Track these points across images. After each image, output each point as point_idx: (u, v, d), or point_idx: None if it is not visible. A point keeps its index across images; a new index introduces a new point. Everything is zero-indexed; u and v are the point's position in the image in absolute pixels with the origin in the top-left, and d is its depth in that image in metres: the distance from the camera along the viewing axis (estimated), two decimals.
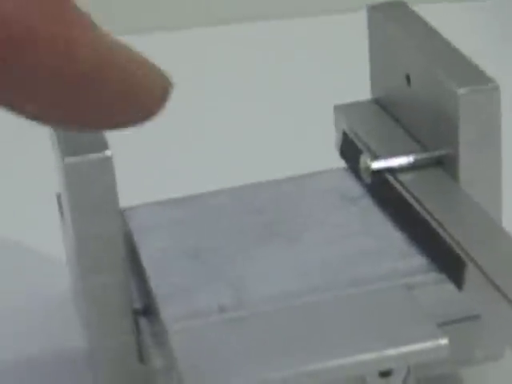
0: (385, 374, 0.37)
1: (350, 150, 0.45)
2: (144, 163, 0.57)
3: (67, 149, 0.39)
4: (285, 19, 0.73)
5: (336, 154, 0.46)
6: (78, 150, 0.38)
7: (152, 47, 0.67)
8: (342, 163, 0.46)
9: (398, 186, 0.42)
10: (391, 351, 0.35)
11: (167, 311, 0.38)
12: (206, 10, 0.75)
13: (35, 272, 0.50)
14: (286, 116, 0.61)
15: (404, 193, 0.41)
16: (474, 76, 0.40)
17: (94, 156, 0.38)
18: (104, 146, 0.38)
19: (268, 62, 0.68)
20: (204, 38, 0.72)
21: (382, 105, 0.46)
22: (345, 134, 0.46)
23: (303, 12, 0.73)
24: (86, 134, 0.39)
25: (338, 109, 0.47)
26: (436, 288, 0.38)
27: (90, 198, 0.38)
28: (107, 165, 0.38)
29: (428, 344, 0.36)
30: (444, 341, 0.35)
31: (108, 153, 0.38)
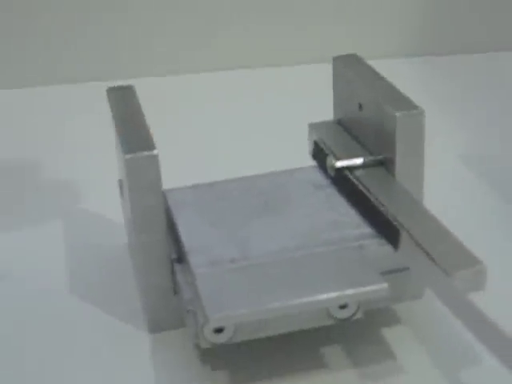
0: (343, 306, 0.35)
1: (319, 154, 0.43)
2: (182, 159, 0.55)
3: (127, 148, 0.37)
4: (271, 67, 0.72)
5: (309, 157, 0.45)
6: (134, 149, 0.36)
7: (169, 88, 0.68)
8: (313, 163, 0.44)
9: (353, 178, 0.40)
10: (348, 291, 0.33)
11: (193, 260, 0.36)
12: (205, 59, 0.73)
13: (102, 232, 0.48)
14: (277, 133, 0.60)
15: (357, 183, 0.39)
16: (407, 104, 0.39)
17: (145, 153, 0.36)
18: (152, 146, 0.37)
19: (266, 96, 0.67)
20: (205, 81, 0.70)
21: (342, 124, 0.44)
22: (316, 143, 0.44)
23: (286, 62, 0.72)
24: (140, 138, 0.37)
25: (311, 126, 0.45)
26: (379, 249, 0.37)
27: (141, 183, 0.36)
28: (154, 160, 0.36)
29: (373, 287, 0.34)
30: (384, 285, 0.34)
31: (155, 152, 0.36)
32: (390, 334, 0.39)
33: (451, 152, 0.56)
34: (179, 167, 0.52)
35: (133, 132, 0.38)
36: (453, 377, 0.36)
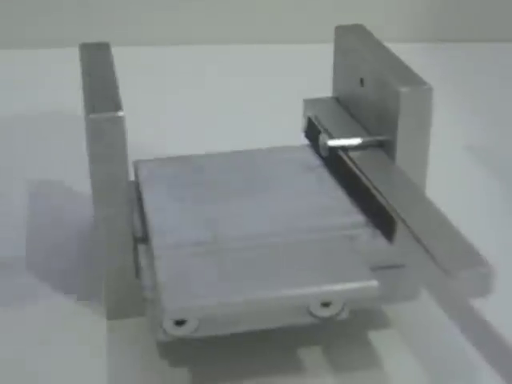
0: (325, 304, 0.30)
1: (312, 132, 0.38)
2: (163, 132, 0.50)
3: (90, 107, 0.32)
4: (274, 44, 0.67)
5: (302, 135, 0.40)
6: (97, 109, 0.31)
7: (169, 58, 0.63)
8: (305, 141, 0.39)
9: (347, 160, 0.35)
10: (331, 287, 0.29)
11: (157, 241, 0.31)
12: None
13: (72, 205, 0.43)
14: (270, 110, 0.55)
15: (352, 166, 0.34)
16: (413, 79, 0.34)
17: (109, 114, 0.31)
18: (118, 107, 0.31)
19: (262, 71, 0.63)
20: (201, 54, 0.66)
21: (340, 101, 0.39)
22: (309, 120, 0.39)
23: (290, 40, 0.68)
24: (106, 97, 0.32)
25: (307, 101, 0.40)
26: (371, 240, 0.32)
27: (104, 147, 0.31)
28: (119, 122, 0.31)
29: (361, 284, 0.29)
30: (374, 282, 0.29)
31: (121, 113, 0.31)
32: (377, 337, 0.34)
33: (457, 143, 0.52)
34: (158, 140, 0.49)
35: (99, 91, 0.33)
36: None
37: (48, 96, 0.57)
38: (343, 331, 0.34)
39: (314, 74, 0.52)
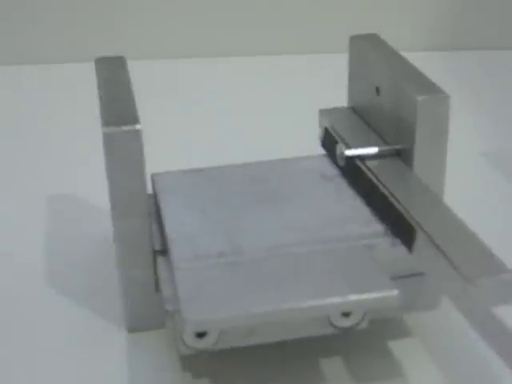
0: (346, 314, 0.30)
1: (329, 142, 0.38)
2: (181, 145, 0.51)
3: (106, 121, 0.32)
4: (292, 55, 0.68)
5: (318, 145, 0.39)
6: (114, 122, 0.31)
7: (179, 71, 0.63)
8: (322, 151, 0.39)
9: (365, 169, 0.35)
10: (352, 297, 0.28)
11: (176, 253, 0.31)
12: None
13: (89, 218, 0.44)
14: (286, 116, 0.56)
15: (370, 175, 0.34)
16: (430, 87, 0.34)
17: (126, 127, 0.31)
18: (135, 120, 0.31)
19: (277, 82, 0.63)
20: (218, 67, 0.66)
21: (356, 111, 0.39)
22: (326, 130, 0.39)
23: (305, 51, 0.69)
24: (123, 111, 0.32)
25: (322, 111, 0.40)
26: (391, 249, 0.31)
27: (121, 161, 0.31)
28: (136, 135, 0.31)
29: (381, 294, 0.29)
30: (394, 292, 0.29)
31: (138, 126, 0.31)
32: (397, 346, 0.34)
33: (473, 149, 0.52)
34: (175, 152, 0.49)
35: (116, 104, 0.33)
36: None
37: (66, 109, 0.57)
38: (363, 340, 0.34)
39: (328, 84, 0.52)
